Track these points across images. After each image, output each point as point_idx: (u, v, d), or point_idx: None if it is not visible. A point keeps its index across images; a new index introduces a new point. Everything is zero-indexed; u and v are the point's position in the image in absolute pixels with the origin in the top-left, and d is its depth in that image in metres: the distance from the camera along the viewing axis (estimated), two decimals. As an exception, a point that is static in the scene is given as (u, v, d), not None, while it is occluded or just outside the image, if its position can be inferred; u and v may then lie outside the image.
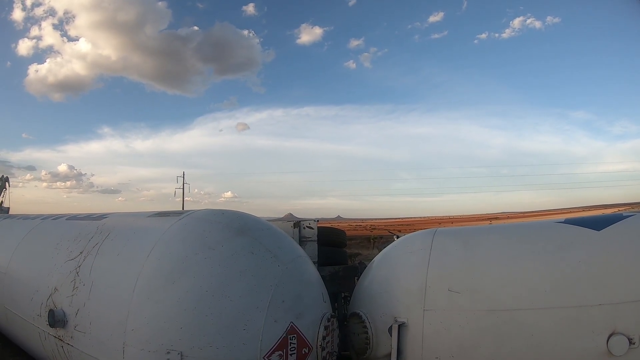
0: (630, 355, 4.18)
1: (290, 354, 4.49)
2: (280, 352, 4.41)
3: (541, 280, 4.42)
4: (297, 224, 6.97)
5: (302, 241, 6.79)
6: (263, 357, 4.31)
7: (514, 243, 4.99)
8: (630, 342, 4.16)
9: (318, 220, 7.23)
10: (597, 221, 4.94)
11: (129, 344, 4.35)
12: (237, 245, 4.76)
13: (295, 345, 4.53)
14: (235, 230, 4.92)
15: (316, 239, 7.03)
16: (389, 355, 4.66)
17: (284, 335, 4.46)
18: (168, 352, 4.15)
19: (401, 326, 4.61)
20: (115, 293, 4.76)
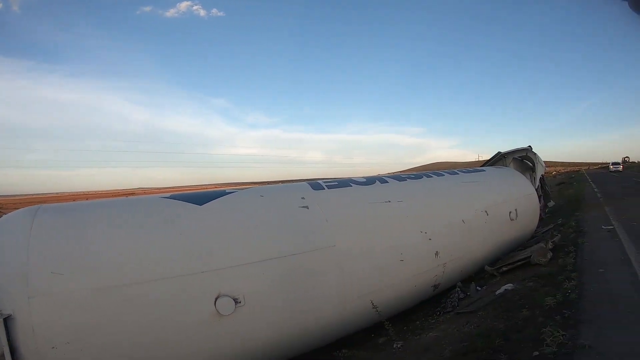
0: (238, 313, 5.01)
1: None
2: None
3: (150, 253, 4.83)
4: None
5: None
6: None
7: (126, 218, 5.19)
8: (236, 302, 4.99)
9: None
10: (200, 197, 5.77)
11: None
12: None
13: None
14: None
15: None
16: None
17: None
18: None
19: (7, 319, 4.38)
20: None
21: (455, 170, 11.15)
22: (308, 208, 6.07)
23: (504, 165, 14.50)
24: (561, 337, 4.75)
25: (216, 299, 4.88)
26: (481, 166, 14.39)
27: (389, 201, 7.17)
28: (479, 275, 9.52)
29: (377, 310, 6.16)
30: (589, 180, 46.03)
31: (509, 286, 7.60)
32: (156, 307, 4.71)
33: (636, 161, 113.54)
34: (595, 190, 29.43)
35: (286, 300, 5.42)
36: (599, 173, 74.50)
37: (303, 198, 6.20)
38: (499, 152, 14.96)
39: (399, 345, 6.18)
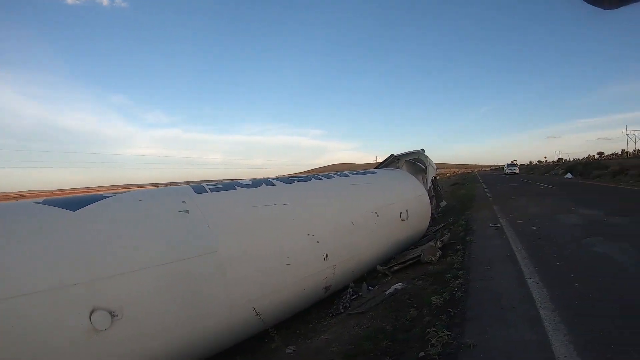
0: (116, 326, 4.80)
1: None
2: None
3: (17, 265, 4.44)
4: None
5: None
6: None
7: None
8: (112, 315, 4.78)
9: None
10: (75, 202, 5.49)
11: None
12: None
13: None
14: None
15: None
16: None
17: None
18: None
19: None
20: None
21: (346, 172, 11.47)
22: (189, 212, 5.98)
23: (396, 168, 15.02)
24: (446, 337, 5.00)
25: (91, 313, 4.63)
26: (374, 168, 14.82)
27: (275, 204, 7.24)
28: (372, 274, 9.89)
29: (260, 318, 6.16)
30: (481, 181, 49.15)
31: (399, 285, 7.89)
32: (25, 324, 4.34)
33: (525, 164, 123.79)
34: (486, 190, 31.48)
35: (167, 310, 5.29)
36: (491, 174, 79.85)
37: (184, 202, 6.11)
38: (392, 155, 15.55)
39: (290, 351, 6.24)
